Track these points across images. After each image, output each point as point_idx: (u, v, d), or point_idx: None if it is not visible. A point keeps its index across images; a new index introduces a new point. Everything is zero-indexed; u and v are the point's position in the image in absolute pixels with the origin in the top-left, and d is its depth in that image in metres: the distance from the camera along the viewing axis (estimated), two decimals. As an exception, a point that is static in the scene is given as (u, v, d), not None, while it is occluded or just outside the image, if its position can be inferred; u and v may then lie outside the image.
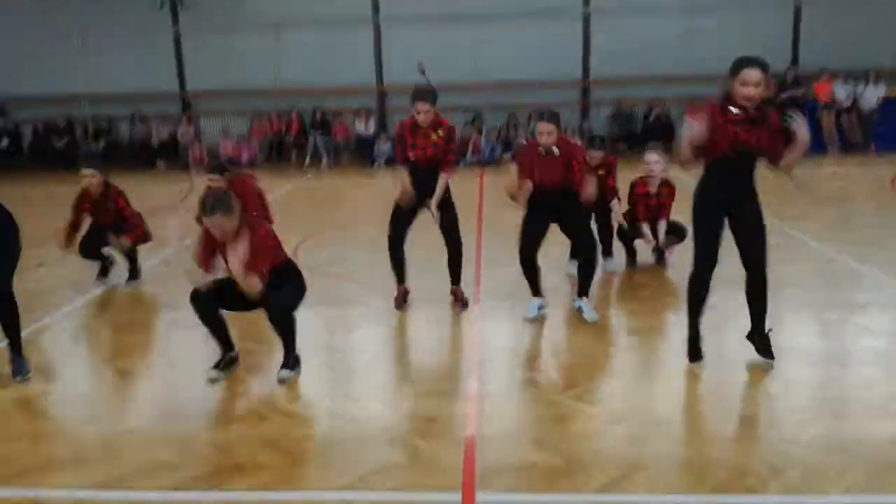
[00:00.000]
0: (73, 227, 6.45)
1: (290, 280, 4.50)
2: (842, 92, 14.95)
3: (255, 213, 5.56)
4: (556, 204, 5.36)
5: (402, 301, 5.86)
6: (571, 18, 16.19)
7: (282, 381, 4.43)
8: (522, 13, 15.88)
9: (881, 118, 14.89)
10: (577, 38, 16.26)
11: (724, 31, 15.51)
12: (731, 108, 4.11)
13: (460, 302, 5.84)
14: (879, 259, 6.73)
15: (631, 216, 6.73)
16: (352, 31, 16.38)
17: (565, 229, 5.55)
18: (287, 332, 4.47)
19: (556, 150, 5.31)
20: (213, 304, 4.42)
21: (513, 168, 5.60)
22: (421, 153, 5.56)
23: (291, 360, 4.52)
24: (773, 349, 4.46)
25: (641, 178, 6.72)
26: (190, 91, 17.09)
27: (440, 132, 5.58)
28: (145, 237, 6.81)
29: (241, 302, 4.39)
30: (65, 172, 15.58)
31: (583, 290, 5.50)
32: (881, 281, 6.20)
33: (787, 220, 8.03)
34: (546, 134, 5.27)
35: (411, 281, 5.90)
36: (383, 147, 15.74)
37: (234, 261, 4.18)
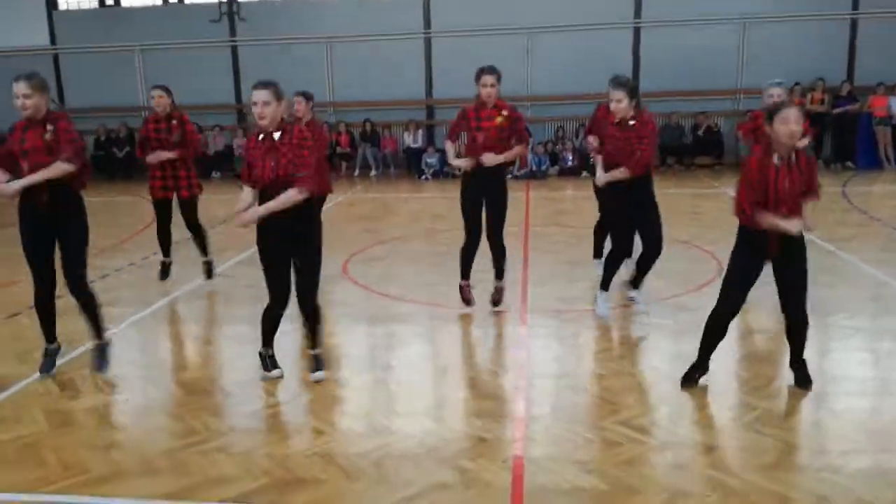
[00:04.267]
0: (143, 143, 7.17)
1: (313, 241, 4.66)
2: (899, 106, 14.67)
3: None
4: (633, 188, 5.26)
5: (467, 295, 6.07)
6: (621, 30, 16.22)
7: (318, 381, 4.81)
8: (571, 26, 15.98)
9: (941, 134, 14.56)
10: (626, 51, 16.30)
11: (779, 44, 15.40)
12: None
13: (495, 298, 6.04)
14: (934, 284, 6.63)
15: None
16: (402, 45, 16.69)
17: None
18: (317, 322, 4.85)
19: (631, 123, 5.21)
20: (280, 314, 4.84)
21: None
22: (485, 133, 5.51)
23: (322, 359, 4.91)
24: (818, 377, 4.50)
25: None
26: (245, 103, 17.56)
27: (504, 113, 5.57)
28: (199, 187, 7.28)
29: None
30: (124, 182, 16.22)
31: (639, 283, 5.58)
32: (935, 307, 6.12)
33: (837, 241, 7.91)
34: (615, 101, 5.17)
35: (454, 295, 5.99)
36: (431, 159, 15.97)
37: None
